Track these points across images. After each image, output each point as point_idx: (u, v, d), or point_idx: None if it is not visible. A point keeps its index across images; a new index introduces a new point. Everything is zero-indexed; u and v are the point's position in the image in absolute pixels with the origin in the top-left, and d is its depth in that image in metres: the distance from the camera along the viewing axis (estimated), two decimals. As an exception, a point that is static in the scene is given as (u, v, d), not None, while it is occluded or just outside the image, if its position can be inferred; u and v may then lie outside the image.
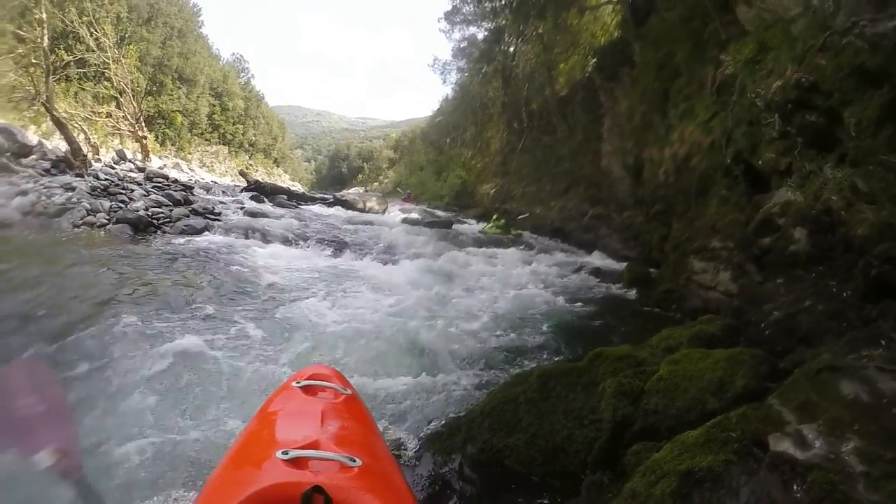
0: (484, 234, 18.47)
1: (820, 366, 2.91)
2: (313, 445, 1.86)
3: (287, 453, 1.74)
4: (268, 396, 2.56)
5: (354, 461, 1.75)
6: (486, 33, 35.22)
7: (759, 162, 7.45)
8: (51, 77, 21.36)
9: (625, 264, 11.76)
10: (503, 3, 29.22)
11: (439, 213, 26.80)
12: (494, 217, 19.94)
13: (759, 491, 2.24)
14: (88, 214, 11.15)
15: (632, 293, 9.75)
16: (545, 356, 5.84)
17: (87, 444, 3.30)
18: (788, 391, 2.82)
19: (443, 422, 4.05)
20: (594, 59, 21.49)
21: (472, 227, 21.53)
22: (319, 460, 1.76)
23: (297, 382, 2.51)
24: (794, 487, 2.18)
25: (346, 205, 23.55)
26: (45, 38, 20.87)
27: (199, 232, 11.73)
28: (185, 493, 3.04)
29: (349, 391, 2.58)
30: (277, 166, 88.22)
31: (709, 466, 2.37)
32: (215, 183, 29.60)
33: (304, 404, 2.34)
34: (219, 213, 13.93)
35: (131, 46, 42.05)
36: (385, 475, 1.95)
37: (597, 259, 13.67)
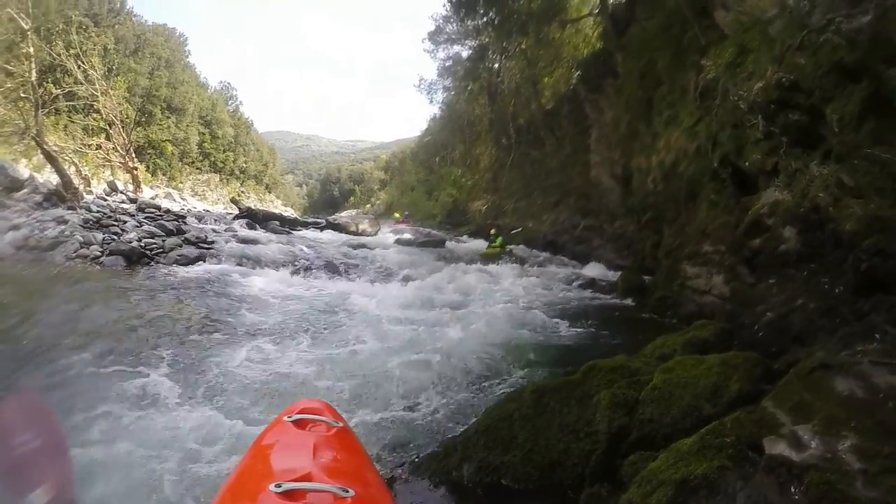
0: (485, 256, 17.04)
1: (813, 364, 2.89)
2: (306, 478, 1.83)
3: (280, 486, 1.72)
4: (260, 431, 2.55)
5: (347, 491, 1.73)
6: (469, 51, 35.40)
7: (746, 164, 7.47)
8: (40, 111, 21.37)
9: (619, 274, 11.76)
10: (486, 20, 29.30)
11: (432, 231, 26.79)
12: (492, 232, 19.46)
13: (756, 495, 2.21)
14: (82, 247, 11.14)
15: (627, 302, 9.74)
16: (541, 371, 5.78)
17: (80, 477, 3.27)
18: (782, 392, 2.80)
19: (437, 443, 4.01)
20: (578, 72, 21.66)
21: (465, 244, 21.51)
22: (313, 492, 1.73)
23: (289, 416, 2.50)
24: (792, 489, 2.15)
25: (339, 228, 23.51)
26: (33, 71, 20.90)
27: (192, 261, 11.70)
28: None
29: (340, 424, 2.57)
30: (269, 192, 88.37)
31: (704, 473, 2.35)
32: (207, 211, 29.52)
33: (297, 437, 2.32)
34: (212, 242, 13.85)
35: (119, 78, 42.13)
36: None
37: (591, 270, 13.63)
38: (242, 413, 4.59)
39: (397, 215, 34.32)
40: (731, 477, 2.31)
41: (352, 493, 1.73)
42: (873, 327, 3.79)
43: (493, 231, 19.49)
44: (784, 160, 6.60)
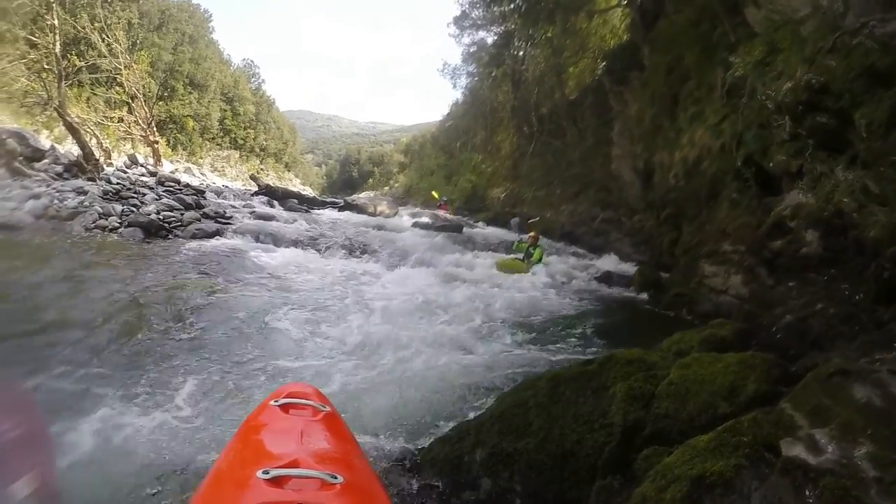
0: (502, 268, 12.28)
1: (832, 370, 2.88)
2: (294, 464, 1.84)
3: (268, 472, 1.72)
4: (246, 415, 2.56)
5: (336, 478, 1.74)
6: (495, 38, 35.22)
7: (770, 164, 7.41)
8: (63, 82, 21.52)
9: (635, 268, 11.74)
10: (512, 7, 29.12)
11: (450, 216, 26.77)
12: (522, 239, 13.46)
13: (771, 496, 2.22)
14: (100, 218, 11.27)
15: (643, 297, 9.73)
16: (555, 360, 5.80)
17: (73, 461, 3.35)
18: (800, 395, 2.80)
19: (450, 426, 4.04)
20: (603, 63, 21.49)
21: (482, 230, 21.46)
22: (300, 478, 1.75)
23: (276, 401, 2.51)
24: (806, 493, 2.16)
25: (357, 209, 23.56)
26: (58, 43, 21.01)
27: (210, 236, 11.81)
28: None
29: (328, 408, 2.57)
30: (288, 170, 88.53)
31: (720, 471, 2.35)
32: (227, 187, 29.58)
33: (283, 422, 2.33)
34: (230, 217, 13.97)
35: (143, 52, 42.18)
36: (367, 491, 1.94)
37: (607, 263, 13.62)
38: (244, 392, 4.64)
39: (435, 195, 33.81)
40: (746, 476, 2.31)
41: (340, 479, 1.74)
42: (893, 336, 3.78)
43: (529, 234, 13.22)
44: (809, 163, 6.56)
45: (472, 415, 4.19)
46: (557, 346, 6.51)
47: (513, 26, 31.46)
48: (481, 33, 37.41)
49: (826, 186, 6.06)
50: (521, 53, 33.50)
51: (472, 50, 39.40)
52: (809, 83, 6.71)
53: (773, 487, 2.24)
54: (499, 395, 4.46)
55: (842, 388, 2.71)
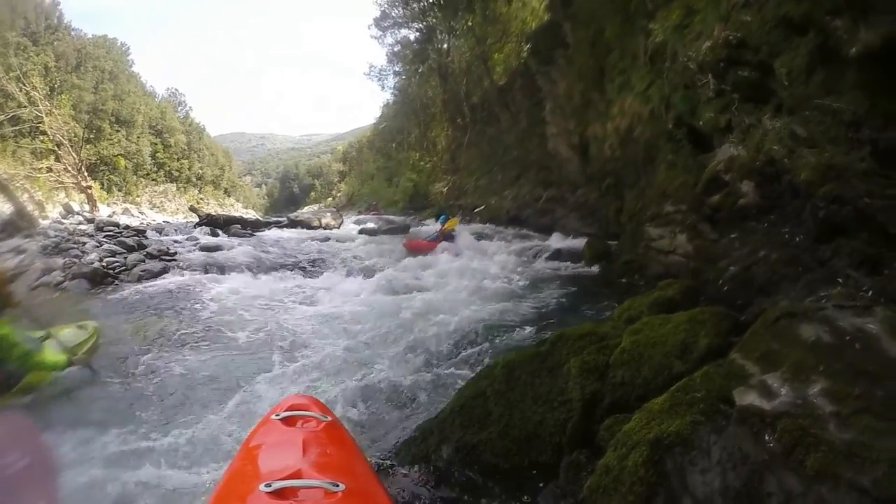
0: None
1: (778, 313, 2.89)
2: (296, 475, 1.85)
3: (270, 486, 1.73)
4: (248, 432, 2.55)
5: (338, 486, 1.75)
6: (417, 34, 35.39)
7: (700, 123, 7.53)
8: (-16, 139, 20.98)
9: (584, 242, 11.82)
10: (431, 1, 29.25)
11: (395, 218, 26.78)
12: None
13: (731, 447, 2.21)
14: (43, 275, 10.88)
15: (594, 269, 9.79)
16: (512, 346, 5.78)
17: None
18: (749, 343, 2.81)
19: (414, 427, 3.99)
20: (528, 45, 21.62)
21: (429, 227, 21.51)
22: (303, 489, 1.75)
23: (277, 415, 2.53)
24: (766, 438, 2.15)
25: (302, 224, 23.49)
26: (-26, 100, 20.48)
27: (157, 275, 11.49)
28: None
29: (329, 418, 2.58)
30: (228, 196, 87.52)
31: (677, 431, 2.34)
32: (167, 223, 29.26)
33: (285, 435, 2.34)
34: (174, 254, 13.64)
35: (63, 96, 41.47)
36: (369, 497, 1.94)
37: (556, 241, 13.74)
38: (225, 419, 4.54)
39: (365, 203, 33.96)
40: (703, 431, 2.30)
41: (342, 486, 1.76)
42: (835, 272, 3.83)
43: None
44: (737, 116, 6.66)
45: (437, 411, 4.16)
46: (514, 330, 6.50)
47: (433, 20, 31.67)
48: (403, 31, 37.69)
49: (755, 137, 6.16)
50: (444, 46, 33.72)
51: (395, 49, 39.63)
52: (727, 40, 6.82)
53: (732, 438, 2.23)
54: (458, 388, 4.43)
55: (789, 329, 2.73)
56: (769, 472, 2.09)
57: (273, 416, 2.52)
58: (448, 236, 14.07)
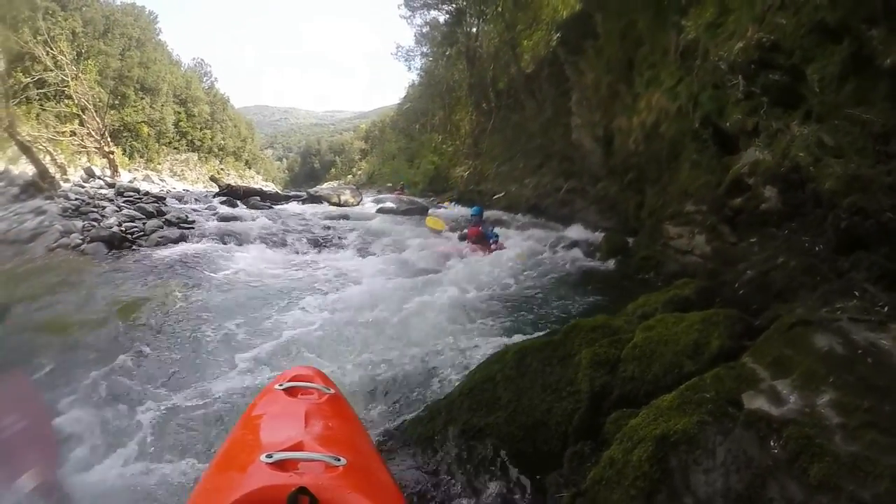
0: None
1: (793, 321, 2.90)
2: (297, 447, 1.86)
3: (271, 456, 1.74)
4: (251, 401, 2.55)
5: (339, 460, 1.76)
6: (447, 16, 35.13)
7: (727, 124, 7.45)
8: (10, 101, 21.08)
9: (602, 235, 11.78)
10: (462, -17, 29.09)
11: (415, 199, 26.73)
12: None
13: (736, 449, 2.22)
14: (62, 236, 10.97)
15: (611, 263, 9.76)
16: (525, 333, 5.79)
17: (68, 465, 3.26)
18: (762, 348, 2.82)
19: (423, 407, 4.03)
20: (557, 34, 21.37)
21: (448, 211, 21.48)
22: (304, 461, 1.76)
23: (280, 385, 2.52)
24: (771, 443, 2.17)
25: (321, 200, 23.54)
26: (1, 62, 20.55)
27: (174, 242, 11.62)
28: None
29: (332, 391, 2.58)
30: (249, 168, 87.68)
31: (683, 429, 2.35)
32: (187, 191, 29.36)
33: (288, 406, 2.35)
34: (193, 222, 13.75)
35: (89, 61, 41.49)
36: (370, 472, 1.96)
37: (574, 232, 13.69)
38: (231, 386, 4.59)
39: (391, 184, 33.80)
40: (710, 432, 2.32)
41: (343, 461, 1.76)
42: (853, 285, 3.81)
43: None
44: (765, 120, 6.60)
45: (444, 391, 4.20)
46: (526, 318, 6.53)
47: (464, 3, 31.42)
48: (433, 13, 37.35)
49: (782, 142, 6.10)
50: (473, 30, 33.45)
51: (424, 30, 39.39)
52: (760, 41, 6.74)
53: (737, 440, 2.25)
54: (468, 370, 4.45)
55: (803, 338, 2.73)
56: (772, 477, 2.10)
57: (276, 386, 2.52)
58: (481, 239, 11.23)
